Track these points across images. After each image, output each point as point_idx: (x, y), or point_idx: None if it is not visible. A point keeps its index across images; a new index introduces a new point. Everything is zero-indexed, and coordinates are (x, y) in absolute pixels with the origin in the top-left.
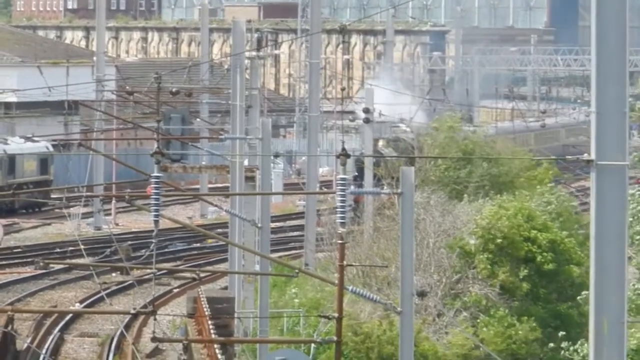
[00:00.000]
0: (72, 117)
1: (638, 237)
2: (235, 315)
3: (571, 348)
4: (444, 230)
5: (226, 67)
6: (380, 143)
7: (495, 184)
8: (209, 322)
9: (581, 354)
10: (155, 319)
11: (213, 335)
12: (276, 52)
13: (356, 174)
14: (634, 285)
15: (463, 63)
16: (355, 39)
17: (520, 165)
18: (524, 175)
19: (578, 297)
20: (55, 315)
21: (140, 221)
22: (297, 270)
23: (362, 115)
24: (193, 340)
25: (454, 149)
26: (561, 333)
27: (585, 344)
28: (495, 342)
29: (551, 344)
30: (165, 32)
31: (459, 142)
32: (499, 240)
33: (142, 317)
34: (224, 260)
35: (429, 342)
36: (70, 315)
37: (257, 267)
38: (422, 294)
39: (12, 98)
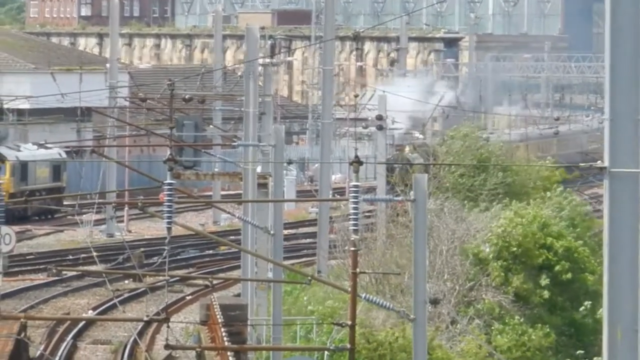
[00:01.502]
0: (84, 124)
1: None
2: (249, 322)
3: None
4: (458, 237)
5: (239, 73)
6: (407, 149)
7: (510, 192)
8: (222, 329)
9: None
10: (168, 326)
11: (226, 343)
12: (289, 59)
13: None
14: None
15: (476, 70)
16: (368, 46)
17: (537, 176)
18: (539, 185)
19: (581, 308)
20: (68, 322)
21: (152, 228)
22: (310, 278)
23: (375, 121)
24: (206, 347)
25: (469, 157)
26: (574, 334)
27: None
28: (509, 349)
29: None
30: (179, 39)
31: (474, 151)
32: (513, 249)
33: (155, 325)
34: (237, 267)
35: (442, 350)
36: (83, 322)
37: (270, 275)
38: (435, 302)
39: (25, 105)
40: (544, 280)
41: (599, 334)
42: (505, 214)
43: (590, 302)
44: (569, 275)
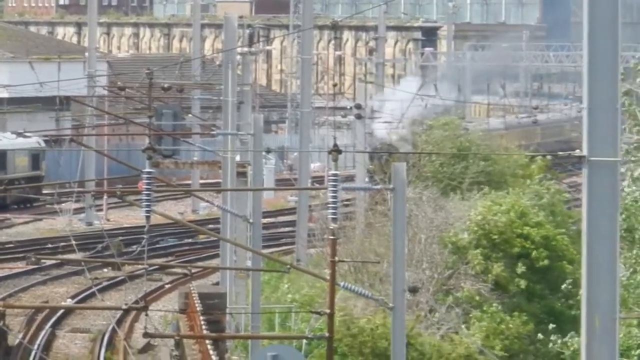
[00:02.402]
0: (63, 113)
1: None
2: (227, 311)
3: (559, 341)
4: (436, 225)
5: (218, 63)
6: (394, 137)
7: (490, 181)
8: (201, 317)
9: (571, 348)
10: (146, 315)
11: (205, 331)
12: (268, 48)
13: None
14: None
15: (455, 59)
16: (347, 35)
17: (515, 164)
18: (518, 174)
19: (562, 286)
20: (47, 310)
21: (131, 217)
22: (288, 266)
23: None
24: (185, 336)
25: (449, 146)
26: (551, 326)
27: (576, 338)
28: (487, 337)
29: (540, 335)
30: (157, 28)
31: (453, 139)
32: (494, 237)
33: (133, 313)
34: (216, 256)
35: (422, 338)
36: (62, 310)
37: (249, 263)
38: (413, 290)
39: (3, 94)
40: (520, 269)
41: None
42: (482, 203)
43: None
44: (546, 263)
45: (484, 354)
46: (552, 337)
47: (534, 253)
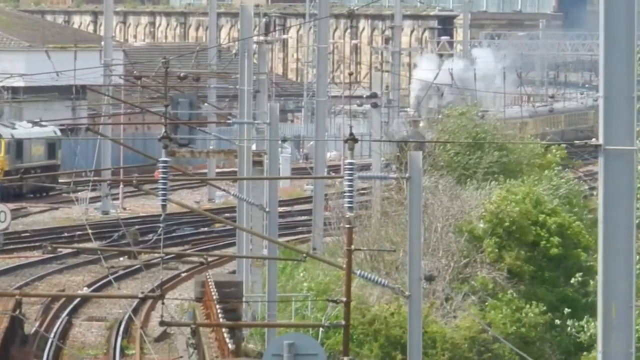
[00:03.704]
0: (79, 102)
1: None
2: (243, 299)
3: (576, 324)
4: (452, 214)
5: (234, 51)
6: (422, 124)
7: (505, 171)
8: (217, 306)
9: (588, 333)
10: (163, 303)
11: (221, 320)
12: (284, 36)
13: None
14: None
15: (471, 48)
16: (363, 24)
17: (531, 153)
18: (534, 162)
19: (572, 280)
20: (63, 299)
21: (147, 205)
22: (305, 255)
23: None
24: (201, 324)
25: (464, 136)
26: (566, 310)
27: (592, 323)
28: (503, 325)
29: (557, 321)
30: (173, 17)
31: (469, 129)
32: (507, 224)
33: (150, 301)
34: (232, 244)
35: (437, 326)
36: (78, 299)
37: (265, 252)
38: (430, 278)
39: (19, 83)
40: (529, 255)
41: (592, 310)
42: (497, 192)
43: (580, 275)
44: (559, 251)
45: (500, 342)
46: (568, 322)
47: (547, 241)
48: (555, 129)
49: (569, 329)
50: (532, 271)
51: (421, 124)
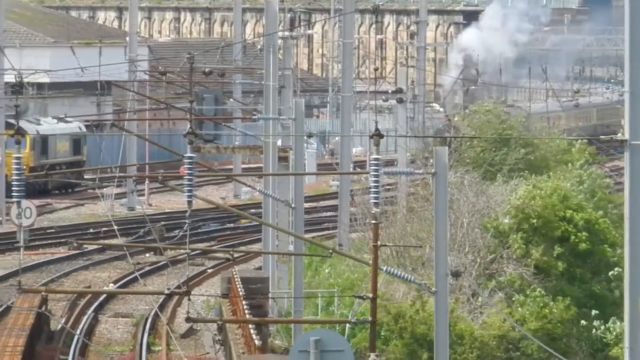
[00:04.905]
0: (104, 98)
1: None
2: (270, 295)
3: (602, 327)
4: (478, 210)
5: (259, 47)
6: (456, 118)
7: (531, 167)
8: (243, 302)
9: (614, 333)
10: (189, 300)
11: (247, 316)
12: (309, 32)
13: None
14: None
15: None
16: (388, 19)
17: (557, 149)
18: (562, 159)
19: (610, 273)
20: (89, 295)
21: (173, 201)
22: (331, 251)
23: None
24: (227, 320)
25: (491, 132)
26: (594, 312)
27: (618, 323)
28: (530, 321)
29: (583, 322)
30: (198, 12)
31: (496, 125)
32: (533, 220)
33: (176, 298)
34: (258, 240)
35: (465, 323)
36: (104, 295)
37: (291, 248)
38: (456, 274)
39: (44, 79)
40: (557, 251)
41: (619, 306)
42: (523, 187)
43: (619, 269)
44: (586, 246)
45: (528, 339)
46: (595, 323)
47: (573, 237)
48: (587, 124)
49: (594, 330)
50: (561, 267)
51: (456, 118)
